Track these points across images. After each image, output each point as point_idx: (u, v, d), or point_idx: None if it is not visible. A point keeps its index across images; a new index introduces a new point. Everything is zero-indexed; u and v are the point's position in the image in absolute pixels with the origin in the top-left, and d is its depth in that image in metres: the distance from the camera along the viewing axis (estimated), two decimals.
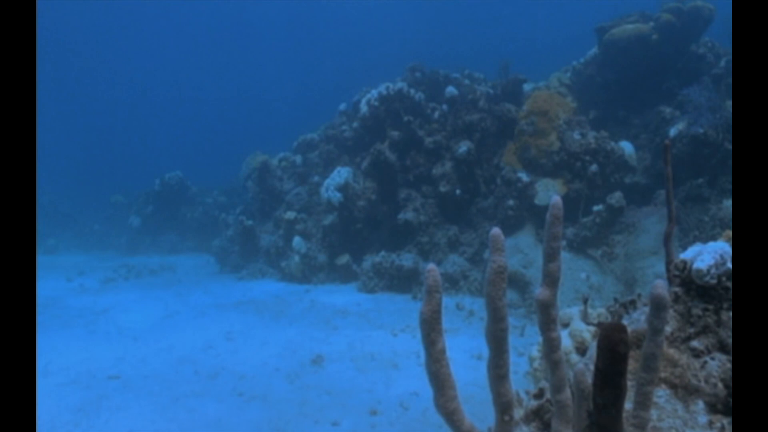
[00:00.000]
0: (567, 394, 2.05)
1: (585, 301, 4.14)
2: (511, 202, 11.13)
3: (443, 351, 1.85)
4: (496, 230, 1.86)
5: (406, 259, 11.55)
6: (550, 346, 2.03)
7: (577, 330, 4.03)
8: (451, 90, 13.66)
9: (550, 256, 1.97)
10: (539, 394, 2.60)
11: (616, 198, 9.89)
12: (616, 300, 3.14)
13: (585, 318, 4.07)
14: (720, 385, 2.33)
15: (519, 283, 9.76)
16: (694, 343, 2.46)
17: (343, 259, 12.68)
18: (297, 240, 13.13)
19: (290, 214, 13.70)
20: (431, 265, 1.78)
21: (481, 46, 46.01)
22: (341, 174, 12.77)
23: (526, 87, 13.87)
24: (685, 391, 2.37)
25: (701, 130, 9.31)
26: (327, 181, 12.91)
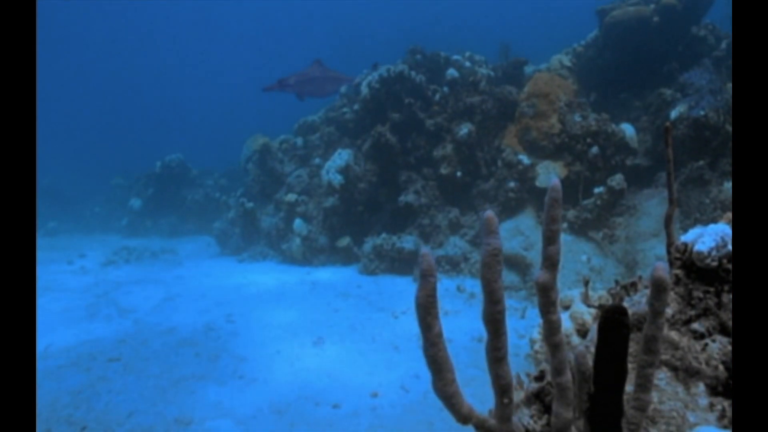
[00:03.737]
0: (568, 376, 2.04)
1: (586, 284, 4.13)
2: (512, 185, 11.12)
3: (440, 335, 1.84)
4: (489, 213, 1.86)
5: (407, 242, 11.55)
6: (551, 329, 2.02)
7: (578, 312, 4.02)
8: (451, 72, 13.63)
9: (550, 239, 1.96)
10: (540, 377, 2.60)
11: (617, 180, 9.89)
12: (617, 282, 3.14)
13: (586, 300, 4.07)
14: (721, 367, 2.33)
15: (520, 266, 9.77)
16: (695, 326, 2.46)
17: (344, 241, 12.69)
18: (298, 222, 13.13)
19: (291, 197, 13.71)
20: (425, 250, 1.77)
21: (482, 28, 45.89)
22: (342, 156, 12.76)
23: (527, 69, 13.84)
24: (686, 373, 2.37)
25: (702, 113, 9.29)
26: (328, 164, 12.90)
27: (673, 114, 9.91)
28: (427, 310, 1.80)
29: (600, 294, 4.04)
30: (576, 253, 9.42)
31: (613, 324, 1.81)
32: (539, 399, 2.53)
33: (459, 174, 12.17)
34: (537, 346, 4.80)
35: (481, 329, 7.67)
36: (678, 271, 2.57)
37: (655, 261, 1.99)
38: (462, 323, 8.06)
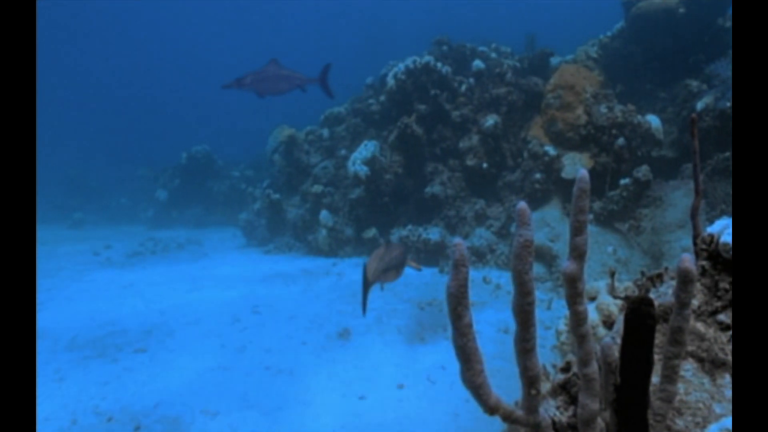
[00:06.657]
0: (594, 367, 2.05)
1: (612, 275, 4.13)
2: (537, 176, 11.10)
3: (470, 325, 1.85)
4: (522, 204, 1.85)
5: (433, 233, 11.55)
6: (577, 320, 2.02)
7: (604, 303, 4.02)
8: (477, 63, 13.61)
9: (577, 229, 1.97)
10: (566, 368, 2.60)
11: (643, 172, 9.85)
12: (643, 273, 3.13)
13: (612, 291, 4.06)
14: None
15: (546, 257, 9.76)
16: (721, 317, 2.45)
17: (370, 232, 12.70)
18: (324, 214, 13.15)
19: (317, 188, 13.73)
20: (458, 239, 1.77)
21: (508, 19, 45.78)
22: (368, 148, 12.76)
23: (553, 60, 13.79)
24: (711, 364, 2.37)
25: (728, 104, 9.24)
26: (354, 155, 12.90)
27: (699, 105, 9.87)
28: (458, 300, 1.81)
29: (626, 285, 4.03)
30: (602, 245, 9.40)
31: (640, 315, 1.81)
32: (565, 390, 2.54)
33: (485, 165, 12.17)
34: (563, 338, 4.80)
35: (506, 320, 7.67)
36: (704, 263, 2.57)
37: (681, 252, 1.98)
38: (488, 314, 8.05)
